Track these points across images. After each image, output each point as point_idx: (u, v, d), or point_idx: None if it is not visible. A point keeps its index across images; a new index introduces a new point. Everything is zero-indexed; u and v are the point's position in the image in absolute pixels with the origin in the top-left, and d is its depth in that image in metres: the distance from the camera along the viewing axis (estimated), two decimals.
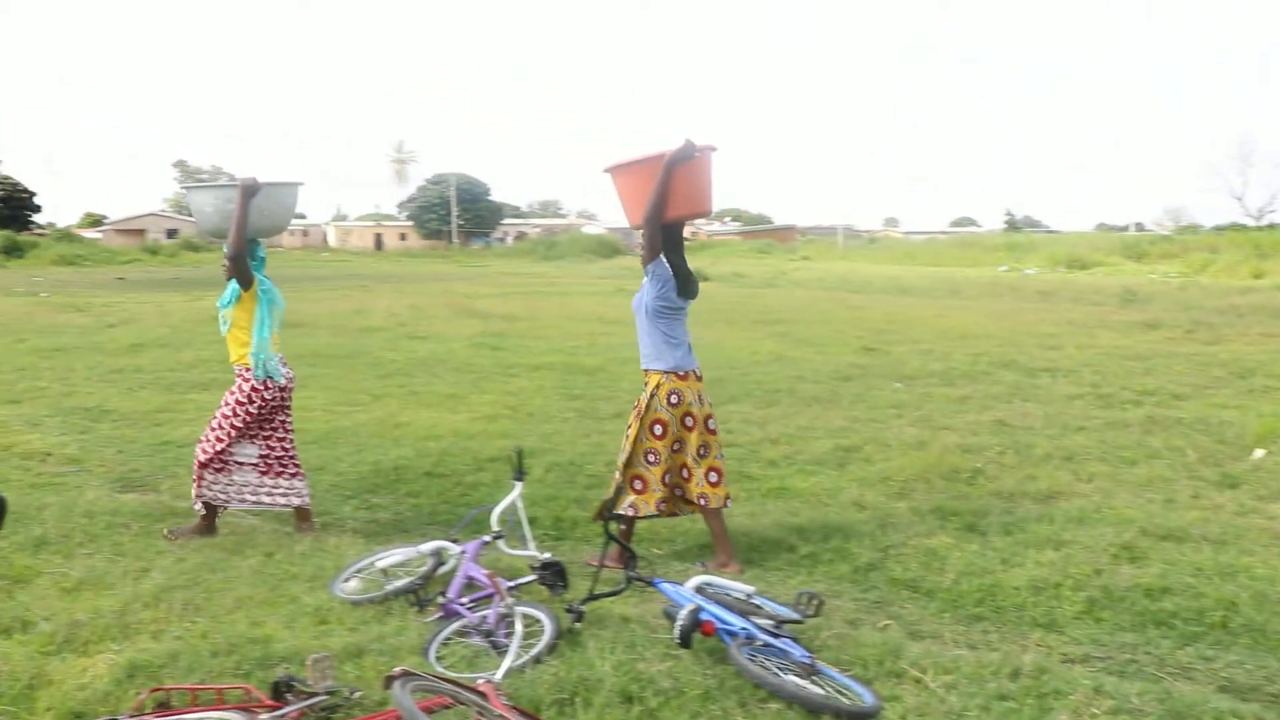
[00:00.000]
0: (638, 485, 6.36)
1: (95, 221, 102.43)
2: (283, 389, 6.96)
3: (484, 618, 5.04)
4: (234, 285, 6.89)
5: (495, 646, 4.86)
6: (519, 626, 4.86)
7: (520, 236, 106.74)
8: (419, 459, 9.12)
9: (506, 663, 4.58)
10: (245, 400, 6.85)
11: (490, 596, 5.20)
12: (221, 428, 6.90)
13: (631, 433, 6.42)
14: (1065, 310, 26.20)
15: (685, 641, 4.69)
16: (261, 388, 6.85)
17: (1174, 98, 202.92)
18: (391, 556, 5.97)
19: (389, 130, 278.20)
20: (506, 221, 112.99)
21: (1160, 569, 6.28)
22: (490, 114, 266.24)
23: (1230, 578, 6.19)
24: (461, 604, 5.26)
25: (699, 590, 5.16)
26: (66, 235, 79.81)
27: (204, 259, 66.49)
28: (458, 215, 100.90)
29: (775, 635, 4.75)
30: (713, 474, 6.49)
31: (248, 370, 6.84)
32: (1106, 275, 43.92)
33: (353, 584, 5.79)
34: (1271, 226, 76.35)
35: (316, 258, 79.60)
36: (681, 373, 6.48)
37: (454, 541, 6.01)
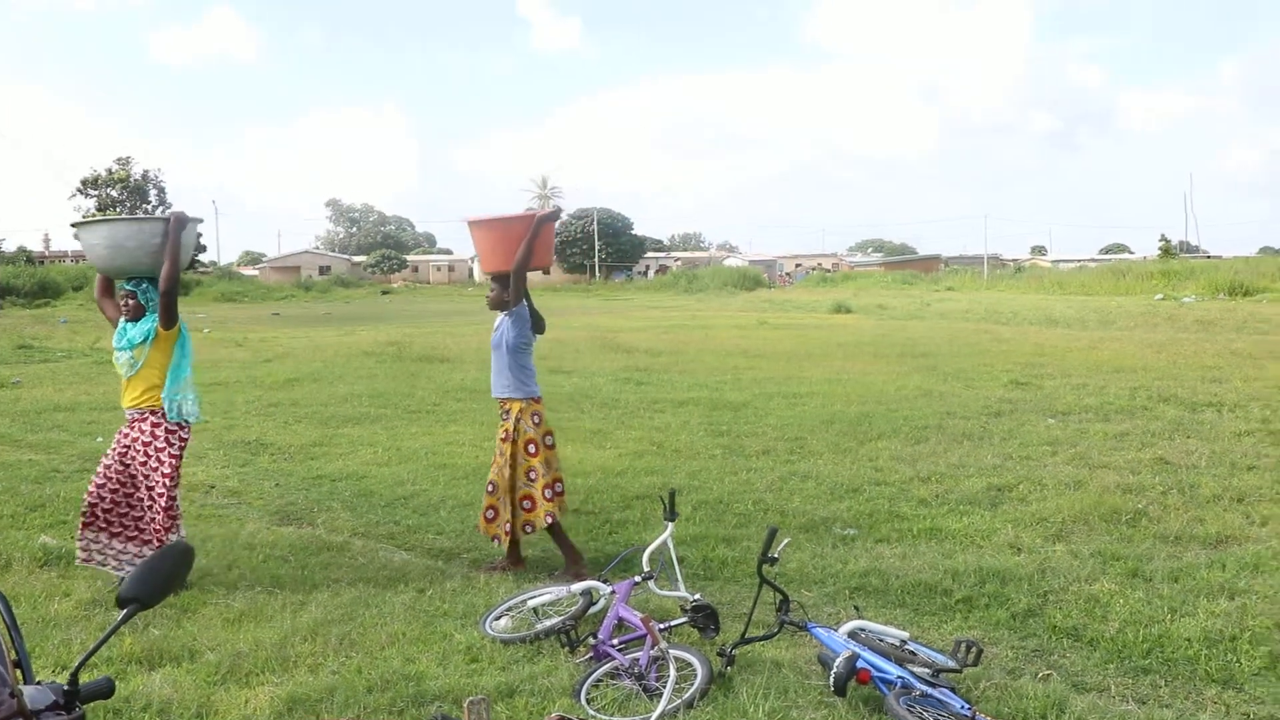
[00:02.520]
0: (527, 505, 6.98)
1: (254, 259, 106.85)
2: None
3: (635, 660, 5.03)
4: (146, 324, 6.56)
5: (646, 690, 4.84)
6: (672, 670, 4.83)
7: (662, 270, 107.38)
8: (567, 496, 9.19)
9: (661, 707, 4.55)
10: (166, 445, 6.53)
11: (641, 638, 5.19)
12: (171, 481, 6.52)
13: (507, 458, 7.02)
14: (1228, 340, 25.09)
15: (840, 689, 4.60)
16: (177, 428, 6.61)
17: None
18: (542, 595, 6.03)
19: (534, 166, 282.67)
20: (648, 255, 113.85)
21: None
22: (636, 147, 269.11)
23: None
24: (612, 645, 5.26)
25: (853, 635, 5.07)
26: (228, 273, 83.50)
27: (354, 294, 68.69)
28: (600, 249, 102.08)
29: (933, 684, 4.63)
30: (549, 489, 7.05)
31: (155, 413, 6.56)
32: (1273, 302, 41.95)
33: (504, 622, 5.86)
34: None
35: (462, 292, 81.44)
36: (537, 398, 7.26)
37: (605, 581, 6.03)
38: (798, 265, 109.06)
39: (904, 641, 5.17)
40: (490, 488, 7.12)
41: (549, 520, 6.97)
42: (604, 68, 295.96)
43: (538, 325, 7.36)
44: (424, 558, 7.51)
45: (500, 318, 7.29)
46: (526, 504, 6.99)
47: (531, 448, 7.06)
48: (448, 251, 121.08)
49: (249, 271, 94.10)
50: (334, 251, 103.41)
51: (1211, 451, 10.71)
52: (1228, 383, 16.30)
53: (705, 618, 5.50)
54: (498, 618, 5.90)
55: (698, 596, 5.70)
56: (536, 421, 7.15)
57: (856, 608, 6.07)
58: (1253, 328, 28.81)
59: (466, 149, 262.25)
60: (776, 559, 5.20)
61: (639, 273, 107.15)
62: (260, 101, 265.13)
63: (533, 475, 7.01)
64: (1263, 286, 49.66)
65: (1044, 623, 6.06)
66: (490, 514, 7.10)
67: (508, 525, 6.98)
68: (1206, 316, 33.16)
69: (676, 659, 4.96)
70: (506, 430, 7.10)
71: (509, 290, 7.17)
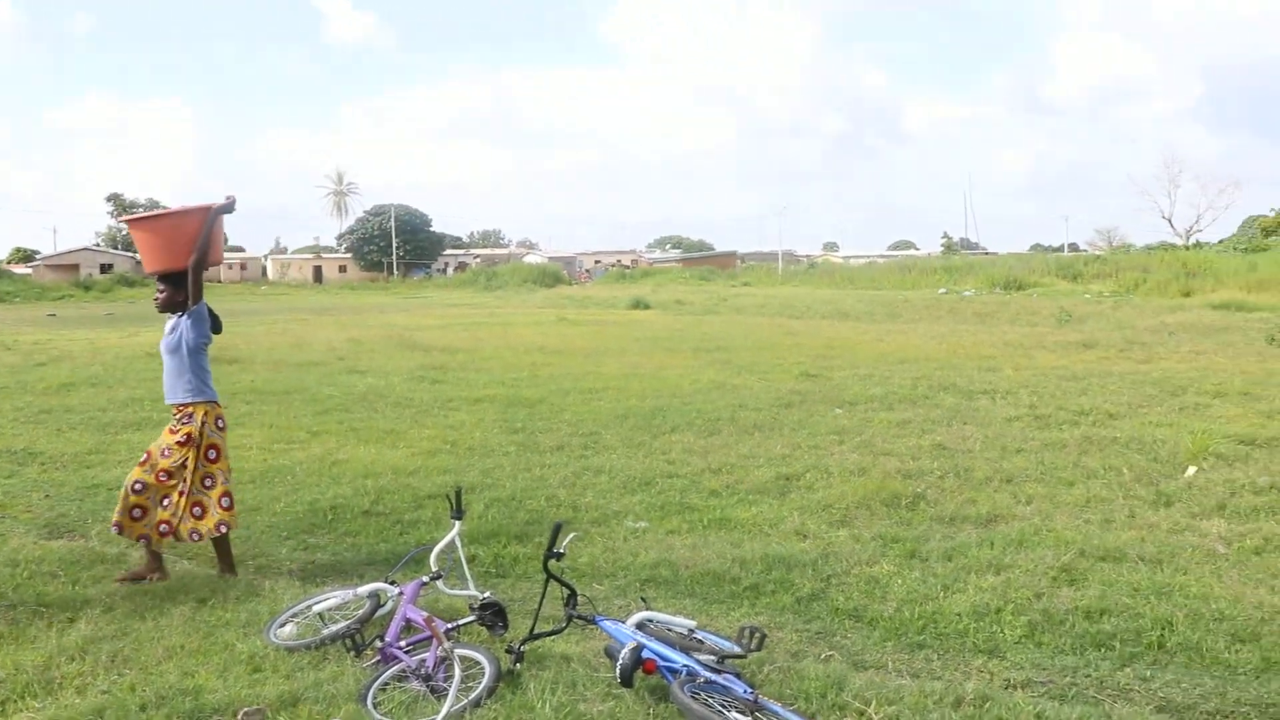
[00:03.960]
0: (197, 511, 6.70)
1: (26, 257, 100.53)
2: None
3: (422, 661, 4.96)
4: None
5: (434, 691, 4.78)
6: (458, 670, 4.78)
7: (461, 267, 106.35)
8: (357, 497, 9.00)
9: (445, 708, 4.50)
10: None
11: (429, 639, 5.11)
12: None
13: (179, 461, 6.73)
14: (1003, 331, 26.55)
15: (627, 680, 4.64)
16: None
17: (1104, 118, 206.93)
18: (328, 600, 5.88)
19: (329, 161, 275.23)
20: (447, 252, 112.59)
21: (1099, 590, 6.35)
22: (434, 144, 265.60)
23: (1166, 597, 6.27)
24: (399, 648, 5.17)
25: (640, 627, 5.12)
26: None
27: (139, 294, 65.57)
28: (398, 246, 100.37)
29: (717, 671, 4.71)
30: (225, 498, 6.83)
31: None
32: (1042, 296, 44.54)
33: (289, 629, 5.68)
34: (1199, 245, 78.17)
35: (254, 291, 78.74)
36: (218, 401, 6.95)
37: (392, 583, 5.92)
38: (597, 262, 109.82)
39: (691, 630, 5.26)
40: (138, 486, 6.65)
41: (221, 530, 6.73)
42: (399, 62, 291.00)
43: (216, 324, 7.04)
44: (206, 566, 7.21)
45: (175, 319, 6.91)
46: (197, 510, 6.69)
47: (213, 453, 6.79)
48: (239, 249, 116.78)
49: (20, 270, 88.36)
50: (117, 249, 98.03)
51: (985, 436, 11.30)
52: (1000, 371, 17.24)
53: (493, 615, 5.46)
54: (282, 625, 5.72)
55: (487, 594, 5.66)
56: (220, 426, 6.88)
57: (644, 599, 6.14)
58: (1024, 320, 30.55)
59: (256, 142, 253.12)
60: (563, 554, 5.21)
61: (438, 270, 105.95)
62: (26, 91, 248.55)
63: (209, 482, 6.76)
64: (1034, 281, 52.78)
65: (827, 605, 6.27)
66: (137, 513, 6.66)
67: (162, 527, 6.66)
68: (984, 309, 35.01)
69: (463, 658, 4.90)
70: (189, 434, 6.73)
71: (182, 289, 6.84)
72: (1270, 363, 18.24)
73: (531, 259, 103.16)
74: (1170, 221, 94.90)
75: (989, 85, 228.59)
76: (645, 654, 4.69)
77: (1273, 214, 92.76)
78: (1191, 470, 9.56)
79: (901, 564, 6.95)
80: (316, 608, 5.81)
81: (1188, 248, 75.14)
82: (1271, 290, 39.68)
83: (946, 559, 7.04)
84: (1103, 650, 5.55)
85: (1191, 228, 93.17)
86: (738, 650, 4.99)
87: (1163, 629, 5.80)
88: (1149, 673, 5.25)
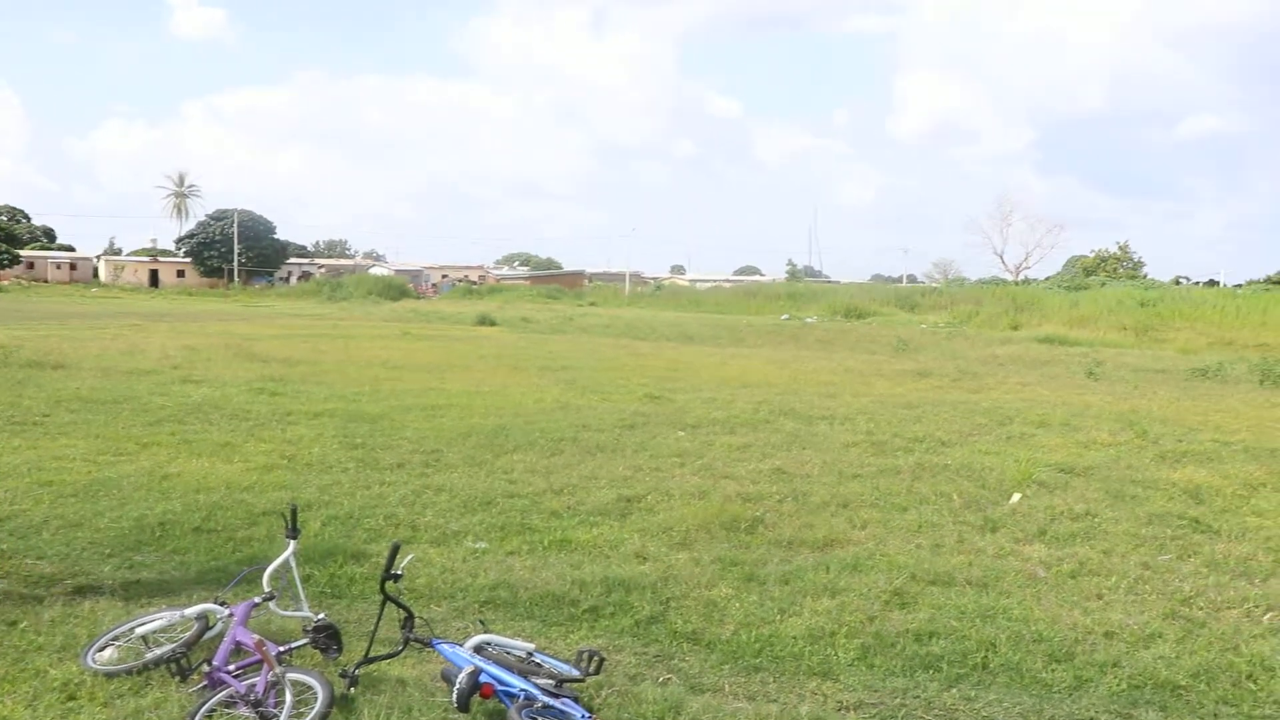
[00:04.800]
0: None
1: None
2: None
3: (252, 686, 4.79)
4: None
5: (264, 717, 4.62)
6: (289, 695, 4.63)
7: (305, 277, 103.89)
8: (188, 513, 8.66)
9: None
10: None
11: (259, 663, 4.94)
12: None
13: None
14: (843, 358, 27.20)
15: (463, 705, 4.57)
16: None
17: (943, 157, 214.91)
18: (153, 622, 5.62)
19: (170, 161, 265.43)
20: (291, 261, 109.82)
21: (928, 613, 6.55)
22: (281, 148, 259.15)
23: (990, 619, 6.51)
24: (228, 672, 4.98)
25: (478, 650, 5.05)
26: None
27: None
28: (240, 253, 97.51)
29: (556, 695, 4.68)
30: None
31: None
32: (881, 325, 45.88)
33: (108, 653, 5.41)
34: (1027, 281, 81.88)
35: (85, 293, 75.48)
36: None
37: (222, 604, 5.70)
38: (444, 276, 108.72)
39: (530, 653, 5.20)
40: None
41: None
42: (248, 62, 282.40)
43: None
44: (20, 585, 6.83)
45: None
46: None
47: None
48: (69, 248, 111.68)
49: None
50: None
51: (823, 462, 11.54)
52: (840, 398, 17.65)
53: (328, 638, 5.31)
54: (102, 649, 5.45)
55: (321, 616, 5.50)
56: None
57: (482, 621, 6.07)
58: (864, 347, 31.39)
59: (93, 137, 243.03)
60: (401, 575, 5.11)
61: (281, 279, 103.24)
62: None
63: None
64: (873, 310, 54.38)
65: (666, 628, 6.29)
66: None
67: None
68: (826, 336, 35.87)
69: (295, 683, 4.75)
70: None
71: None
72: (1089, 395, 19.15)
73: (377, 271, 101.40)
74: (1002, 258, 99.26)
75: (836, 119, 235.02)
76: (483, 678, 4.63)
77: (1093, 255, 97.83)
78: (1016, 497, 9.95)
79: (740, 587, 7.03)
80: (140, 630, 5.55)
81: (1017, 283, 78.63)
82: (1091, 326, 41.82)
83: (784, 582, 7.16)
84: (931, 672, 5.72)
85: (1021, 264, 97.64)
86: (576, 674, 4.96)
87: (987, 650, 6.01)
88: (973, 693, 5.44)
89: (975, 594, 7.02)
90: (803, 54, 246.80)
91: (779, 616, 6.46)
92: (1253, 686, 5.79)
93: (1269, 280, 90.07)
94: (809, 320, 49.47)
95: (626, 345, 31.04)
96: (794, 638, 6.09)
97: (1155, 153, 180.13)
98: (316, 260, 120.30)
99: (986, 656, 5.95)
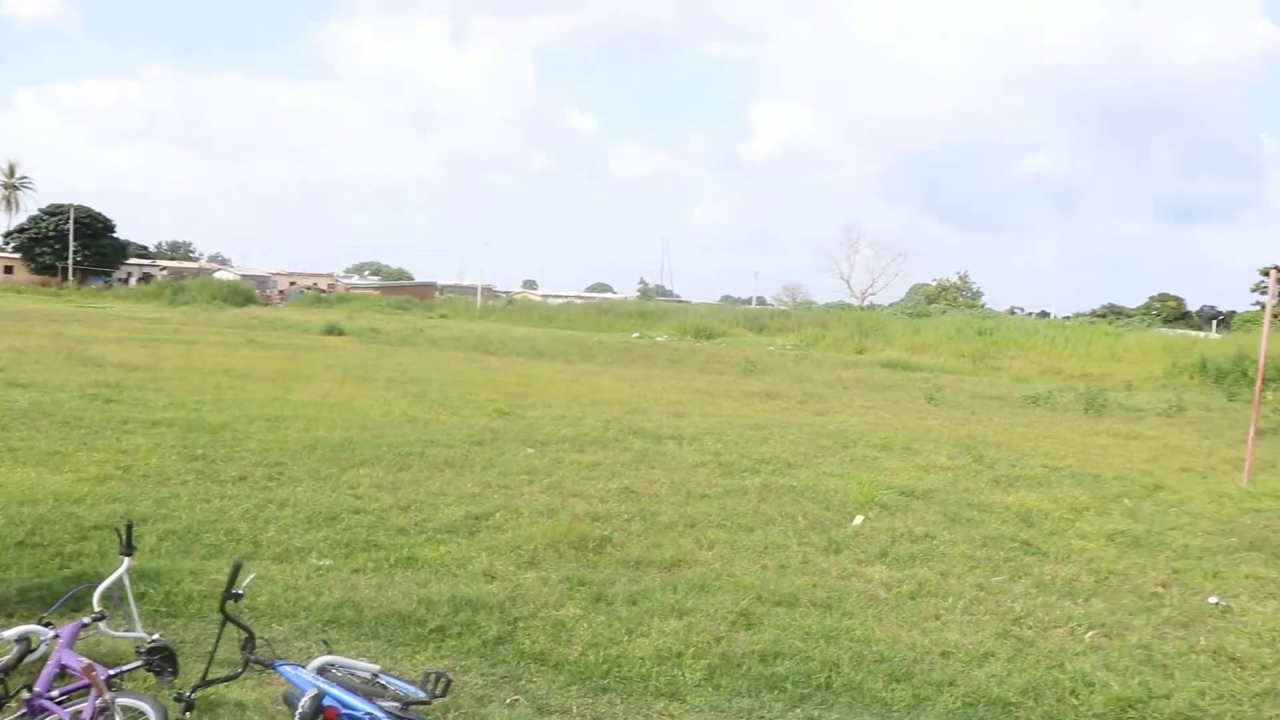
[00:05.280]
0: None
1: None
2: None
3: (77, 714, 4.55)
4: None
5: None
6: None
7: (145, 278, 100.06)
8: (10, 527, 8.21)
9: None
10: None
11: (87, 688, 4.70)
12: None
13: None
14: (692, 378, 27.49)
15: None
16: None
17: (794, 182, 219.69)
18: None
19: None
20: (131, 262, 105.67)
21: (774, 634, 6.65)
22: (123, 144, 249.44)
23: (834, 640, 6.65)
24: (51, 698, 4.72)
25: (322, 672, 4.89)
26: None
27: None
28: (76, 251, 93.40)
29: (401, 718, 4.57)
30: None
31: None
32: (730, 345, 46.58)
33: None
34: (873, 307, 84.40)
35: None
36: None
37: (47, 625, 5.40)
38: (292, 283, 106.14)
39: (375, 675, 5.07)
40: None
41: None
42: (89, 52, 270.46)
43: None
44: None
45: None
46: None
47: None
48: None
49: None
50: None
51: (671, 481, 11.62)
52: (688, 417, 17.82)
53: (162, 660, 5.08)
54: None
55: (156, 637, 5.26)
56: None
57: (326, 641, 5.90)
58: (713, 368, 31.78)
59: None
60: (241, 594, 4.93)
61: (119, 280, 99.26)
62: None
63: None
64: (723, 331, 55.20)
65: (514, 649, 6.24)
66: None
67: None
68: (676, 356, 36.20)
69: (125, 708, 4.54)
70: None
71: None
72: (928, 420, 19.76)
73: (223, 275, 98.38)
74: (848, 283, 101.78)
75: (692, 140, 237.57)
76: (326, 701, 4.49)
77: (934, 283, 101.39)
78: (859, 519, 10.19)
79: (588, 607, 7.02)
80: None
81: (863, 309, 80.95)
82: (931, 352, 43.28)
83: (632, 603, 7.17)
84: (776, 692, 5.80)
85: (866, 290, 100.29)
86: (423, 696, 4.85)
87: (830, 671, 6.14)
88: (817, 713, 5.54)
89: (819, 615, 7.16)
90: (661, 75, 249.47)
91: (627, 637, 6.47)
92: (1075, 702, 6.06)
93: (1094, 314, 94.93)
94: (659, 339, 49.91)
95: (477, 359, 30.78)
96: (642, 658, 6.10)
97: (995, 188, 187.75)
98: (158, 262, 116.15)
99: (830, 676, 6.06)
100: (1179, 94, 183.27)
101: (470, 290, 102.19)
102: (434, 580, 7.45)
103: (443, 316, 65.87)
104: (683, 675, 5.92)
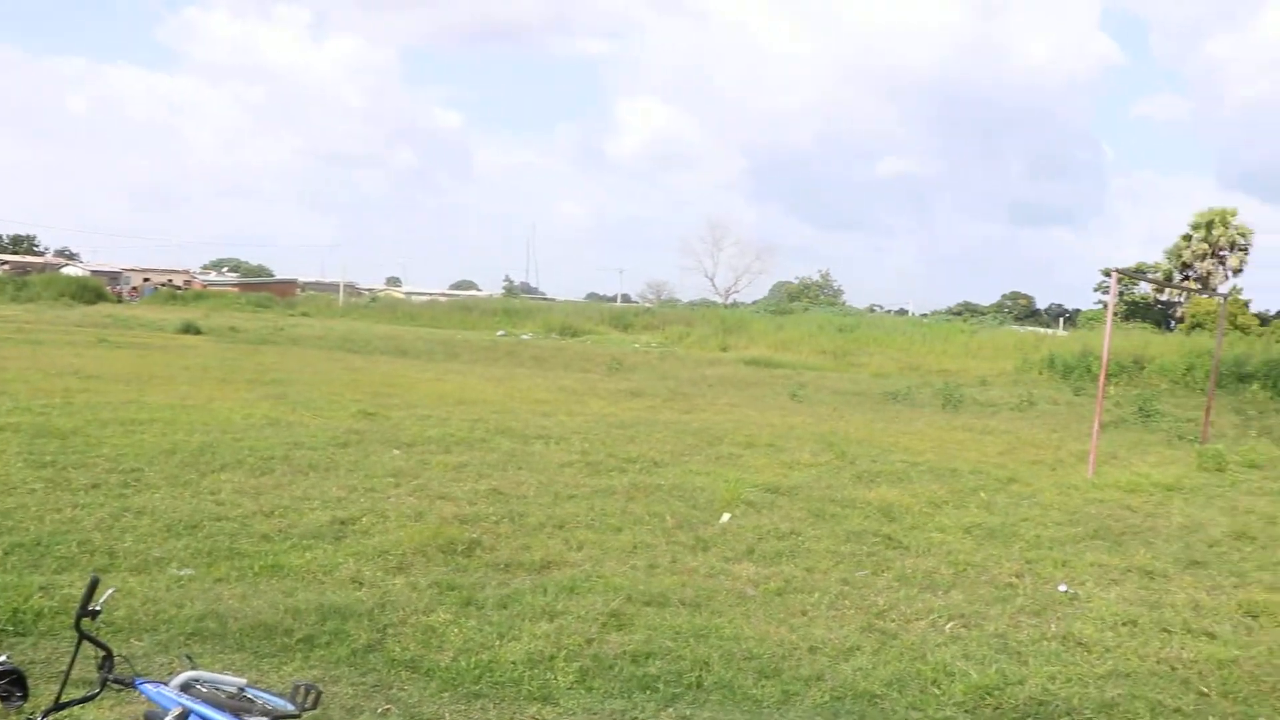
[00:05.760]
0: None
1: None
2: None
3: None
4: None
5: None
6: None
7: None
8: None
9: None
10: None
11: None
12: None
13: None
14: (558, 377, 27.47)
15: None
16: None
17: (659, 180, 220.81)
18: None
19: None
20: None
21: (645, 634, 6.71)
22: None
23: (704, 639, 6.73)
24: None
25: (185, 688, 4.75)
26: None
27: None
28: None
29: None
30: None
31: None
32: (596, 343, 46.68)
33: None
34: (736, 305, 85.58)
35: None
36: None
37: None
38: (146, 280, 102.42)
39: (242, 689, 4.94)
40: None
41: None
42: None
43: None
44: None
45: None
46: None
47: None
48: None
49: None
50: None
51: (539, 482, 11.59)
52: (555, 416, 17.80)
53: (10, 684, 4.85)
54: None
55: (3, 659, 5.04)
56: None
57: (189, 656, 5.74)
58: (579, 366, 31.82)
59: None
60: (99, 611, 4.76)
61: None
62: None
63: None
64: (589, 329, 55.28)
65: (384, 657, 6.16)
66: None
67: None
68: (541, 354, 36.11)
69: None
70: None
71: None
72: (792, 417, 20.12)
73: (71, 271, 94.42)
74: (713, 281, 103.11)
75: (558, 137, 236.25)
76: (192, 719, 4.37)
77: (797, 281, 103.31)
78: (726, 517, 10.33)
79: (458, 612, 6.97)
80: None
81: (727, 306, 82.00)
82: (794, 349, 44.08)
83: (502, 606, 7.14)
84: (649, 692, 5.85)
85: (730, 288, 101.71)
86: (291, 709, 4.75)
87: (701, 669, 6.21)
88: (689, 711, 5.61)
89: (689, 614, 7.24)
90: (526, 71, 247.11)
91: (498, 641, 6.44)
92: (937, 691, 6.26)
93: (950, 311, 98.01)
94: (525, 337, 49.75)
95: (340, 359, 30.22)
96: (513, 662, 6.08)
97: (856, 188, 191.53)
98: (0, 256, 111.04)
99: (701, 675, 6.14)
100: (1028, 103, 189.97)
101: (333, 287, 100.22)
102: (300, 588, 7.30)
103: (304, 314, 64.45)
104: (555, 678, 5.93)
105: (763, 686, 6.12)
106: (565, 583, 7.75)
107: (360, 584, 7.51)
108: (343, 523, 9.27)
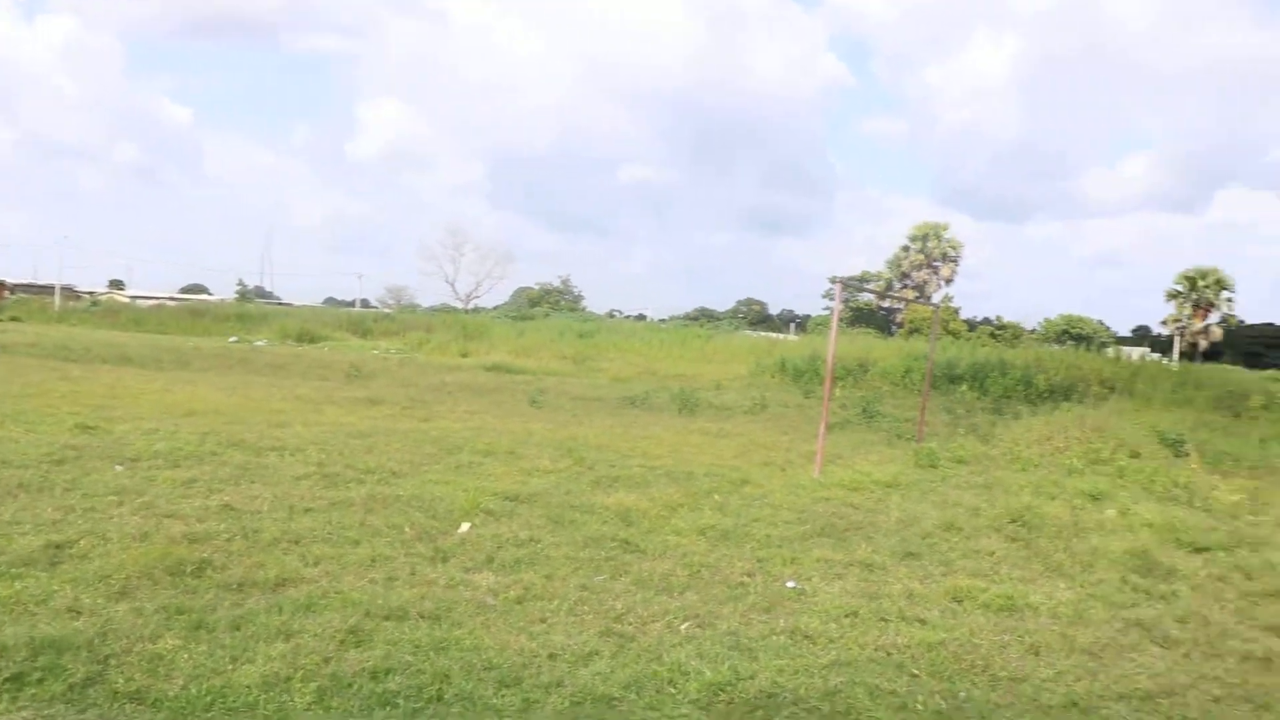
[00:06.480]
0: None
1: None
2: None
3: None
4: None
5: None
6: None
7: None
8: None
9: None
10: None
11: None
12: None
13: None
14: (294, 385, 26.66)
15: None
16: None
17: (400, 184, 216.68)
18: None
19: None
20: None
21: (384, 650, 6.67)
22: None
23: (444, 651, 6.77)
24: None
25: None
26: None
27: None
28: None
29: None
30: None
31: None
32: (334, 350, 45.54)
33: None
34: (477, 310, 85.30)
35: None
36: None
37: None
38: None
39: None
40: None
41: None
42: None
43: None
44: None
45: None
46: None
47: None
48: None
49: None
50: None
51: (274, 496, 11.24)
52: (291, 427, 17.27)
53: None
54: None
55: None
56: None
57: None
58: (316, 374, 30.99)
59: None
60: None
61: None
62: None
63: None
64: (326, 335, 53.93)
65: (105, 690, 5.87)
66: None
67: None
68: (277, 361, 34.92)
69: None
70: None
71: None
72: (531, 423, 20.26)
73: None
74: (453, 286, 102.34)
75: (294, 137, 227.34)
76: None
77: (538, 287, 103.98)
78: (465, 526, 10.34)
79: (188, 637, 6.71)
80: None
81: (467, 312, 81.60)
82: (535, 355, 44.41)
83: (235, 628, 6.93)
84: (389, 709, 5.83)
85: (471, 293, 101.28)
86: None
87: (441, 682, 6.24)
88: None
89: (429, 626, 7.23)
90: (262, 67, 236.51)
91: (231, 665, 6.25)
92: (673, 691, 6.52)
93: (688, 316, 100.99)
94: (260, 344, 47.99)
95: (56, 367, 28.23)
96: (248, 686, 5.93)
97: (596, 195, 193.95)
98: None
99: (441, 688, 6.16)
100: (763, 117, 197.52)
101: (48, 290, 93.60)
102: (8, 622, 6.83)
103: (14, 319, 59.85)
104: (292, 700, 5.82)
105: (503, 696, 6.20)
106: (301, 600, 7.59)
107: (78, 613, 7.10)
108: (58, 547, 8.71)
